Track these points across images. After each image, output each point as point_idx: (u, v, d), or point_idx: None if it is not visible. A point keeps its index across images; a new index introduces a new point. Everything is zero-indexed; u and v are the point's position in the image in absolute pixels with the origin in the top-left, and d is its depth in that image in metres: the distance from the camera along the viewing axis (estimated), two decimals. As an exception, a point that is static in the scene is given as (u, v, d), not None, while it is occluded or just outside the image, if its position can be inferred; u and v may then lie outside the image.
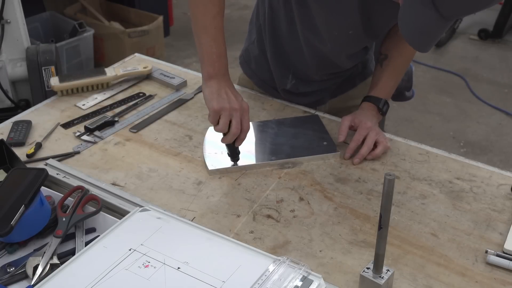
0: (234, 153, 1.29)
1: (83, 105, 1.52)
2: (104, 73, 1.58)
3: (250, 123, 1.40)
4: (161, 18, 3.49)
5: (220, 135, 1.35)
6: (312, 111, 1.50)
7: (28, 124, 1.42)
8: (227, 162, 1.29)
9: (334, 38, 1.30)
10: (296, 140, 1.37)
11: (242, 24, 4.29)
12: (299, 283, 0.90)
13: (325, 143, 1.35)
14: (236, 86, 1.48)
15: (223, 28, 1.25)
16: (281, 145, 1.35)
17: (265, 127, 1.42)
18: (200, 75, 1.67)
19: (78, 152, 1.34)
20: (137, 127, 1.43)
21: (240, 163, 1.29)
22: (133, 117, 1.47)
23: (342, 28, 1.28)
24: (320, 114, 1.48)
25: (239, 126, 1.22)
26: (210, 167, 1.27)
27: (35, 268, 0.99)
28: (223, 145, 1.32)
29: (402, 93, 1.56)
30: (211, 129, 1.40)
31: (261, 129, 1.42)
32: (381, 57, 1.39)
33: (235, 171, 1.28)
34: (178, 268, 0.93)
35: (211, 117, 1.23)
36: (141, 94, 1.57)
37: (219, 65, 1.24)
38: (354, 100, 1.51)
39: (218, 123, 1.22)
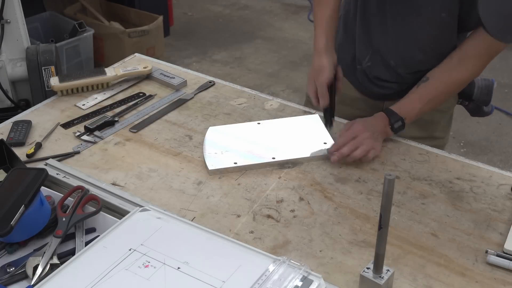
0: (332, 114, 1.37)
1: (83, 105, 1.52)
2: (104, 73, 1.58)
3: (250, 123, 1.43)
4: (161, 18, 3.49)
5: (220, 135, 1.36)
6: (312, 111, 1.50)
7: (28, 124, 1.42)
8: (227, 162, 1.29)
9: (425, 13, 1.26)
10: (296, 140, 1.37)
11: (242, 24, 4.29)
12: (299, 283, 0.90)
13: (325, 143, 1.35)
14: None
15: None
16: (281, 145, 1.35)
17: (265, 127, 1.42)
18: (199, 75, 1.68)
19: (78, 152, 1.34)
20: (137, 127, 1.43)
21: (240, 163, 1.29)
22: (133, 117, 1.47)
23: (436, 6, 1.23)
24: (320, 114, 1.48)
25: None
26: (210, 167, 1.27)
27: (35, 268, 0.99)
28: (223, 145, 1.33)
29: (479, 108, 1.48)
30: (211, 129, 1.41)
31: (261, 129, 1.42)
32: (423, 79, 1.34)
33: (235, 171, 1.28)
34: (178, 268, 0.93)
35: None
36: (141, 94, 1.57)
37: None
38: None
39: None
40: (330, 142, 1.35)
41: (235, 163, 1.29)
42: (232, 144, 1.35)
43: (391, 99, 1.45)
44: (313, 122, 1.44)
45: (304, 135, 1.39)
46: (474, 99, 1.44)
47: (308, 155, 1.32)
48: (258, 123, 1.43)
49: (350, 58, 1.49)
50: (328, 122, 1.38)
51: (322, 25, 1.36)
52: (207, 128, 1.41)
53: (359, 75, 1.49)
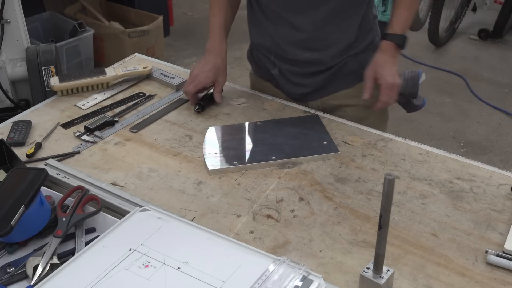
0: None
1: (83, 105, 1.52)
2: (104, 73, 1.58)
3: (250, 123, 1.43)
4: (161, 18, 3.49)
5: (220, 135, 1.38)
6: (312, 111, 1.50)
7: (28, 124, 1.42)
8: (227, 162, 1.29)
9: None
10: (296, 140, 1.37)
11: (242, 24, 4.27)
12: (299, 283, 0.90)
13: (325, 143, 1.35)
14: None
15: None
16: (281, 145, 1.35)
17: (265, 127, 1.42)
18: (200, 75, 1.68)
19: (78, 152, 1.34)
20: (137, 127, 1.43)
21: (240, 163, 1.29)
22: (133, 117, 1.47)
23: None
24: (320, 114, 1.48)
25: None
26: (210, 167, 1.27)
27: (35, 268, 0.99)
28: (223, 145, 1.33)
29: (409, 101, 1.52)
30: (211, 129, 1.41)
31: (261, 129, 1.42)
32: None
33: (235, 171, 1.28)
34: (178, 268, 0.93)
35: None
36: (141, 94, 1.57)
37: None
38: (350, 99, 1.51)
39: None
40: (330, 141, 1.35)
41: (235, 163, 1.29)
42: (232, 144, 1.35)
43: (312, 99, 1.53)
44: (313, 122, 1.43)
45: (304, 135, 1.39)
46: (401, 92, 1.46)
47: (308, 155, 1.32)
48: (259, 123, 1.43)
49: (267, 65, 1.55)
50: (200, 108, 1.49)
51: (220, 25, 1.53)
52: (207, 128, 1.41)
53: (278, 78, 1.55)
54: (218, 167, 1.28)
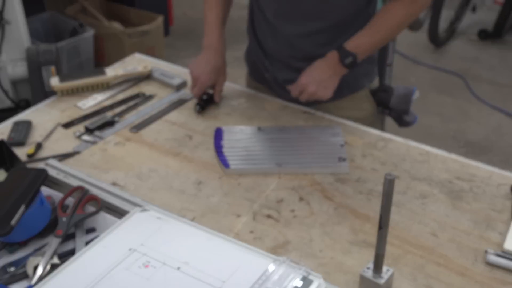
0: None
1: (83, 105, 1.52)
2: (104, 73, 1.58)
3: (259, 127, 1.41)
4: (161, 18, 3.49)
5: (233, 140, 1.37)
6: (312, 111, 1.49)
7: (28, 124, 1.42)
8: (247, 163, 1.28)
9: None
10: (308, 152, 1.32)
11: (242, 24, 4.26)
12: (299, 283, 0.90)
13: (339, 157, 1.30)
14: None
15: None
16: (290, 154, 1.31)
17: (284, 133, 1.39)
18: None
19: (78, 152, 1.34)
20: (137, 127, 1.43)
21: (253, 165, 1.28)
22: (133, 117, 1.47)
23: None
24: (320, 114, 1.48)
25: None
26: (230, 168, 1.26)
27: (35, 268, 0.99)
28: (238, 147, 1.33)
29: (400, 117, 1.50)
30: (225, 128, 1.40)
31: (280, 134, 1.38)
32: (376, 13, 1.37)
33: (234, 173, 1.28)
34: (178, 268, 0.93)
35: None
36: (141, 94, 1.57)
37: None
38: (341, 111, 1.48)
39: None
40: (344, 157, 1.29)
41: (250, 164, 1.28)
42: (246, 146, 1.34)
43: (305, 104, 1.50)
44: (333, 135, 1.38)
45: (318, 147, 1.34)
46: (392, 107, 1.43)
47: (316, 167, 1.28)
48: (280, 128, 1.40)
49: (261, 68, 1.54)
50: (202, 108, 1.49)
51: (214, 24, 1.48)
52: (207, 128, 1.41)
53: (271, 83, 1.54)
54: (239, 166, 1.26)
